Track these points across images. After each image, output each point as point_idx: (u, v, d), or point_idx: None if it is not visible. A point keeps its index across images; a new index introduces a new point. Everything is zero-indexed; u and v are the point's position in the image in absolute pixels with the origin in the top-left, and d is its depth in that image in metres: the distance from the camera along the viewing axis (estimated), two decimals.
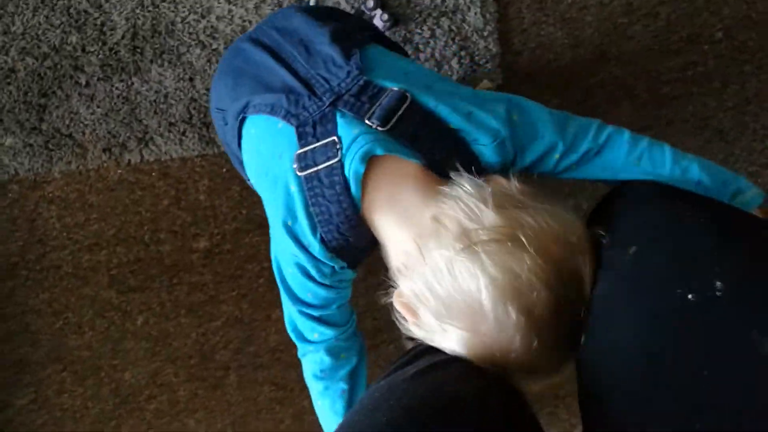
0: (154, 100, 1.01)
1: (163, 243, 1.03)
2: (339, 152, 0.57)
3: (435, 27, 1.00)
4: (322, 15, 0.73)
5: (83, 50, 1.01)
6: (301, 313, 0.67)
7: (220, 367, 1.04)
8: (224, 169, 1.02)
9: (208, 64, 1.00)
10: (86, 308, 1.02)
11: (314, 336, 0.68)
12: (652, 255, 0.49)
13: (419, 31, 1.00)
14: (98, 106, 1.00)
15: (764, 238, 0.49)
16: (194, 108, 1.01)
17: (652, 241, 0.51)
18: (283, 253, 0.64)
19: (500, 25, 1.01)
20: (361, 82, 0.60)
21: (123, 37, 1.00)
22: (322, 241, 0.60)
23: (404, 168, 0.58)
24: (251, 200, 1.02)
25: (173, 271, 1.03)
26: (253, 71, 0.68)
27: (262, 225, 1.03)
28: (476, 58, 1.00)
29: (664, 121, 1.03)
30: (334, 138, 0.58)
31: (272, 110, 0.62)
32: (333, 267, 0.63)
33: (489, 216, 0.52)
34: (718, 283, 0.43)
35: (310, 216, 0.59)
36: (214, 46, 1.00)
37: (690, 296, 0.43)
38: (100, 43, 1.01)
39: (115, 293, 1.03)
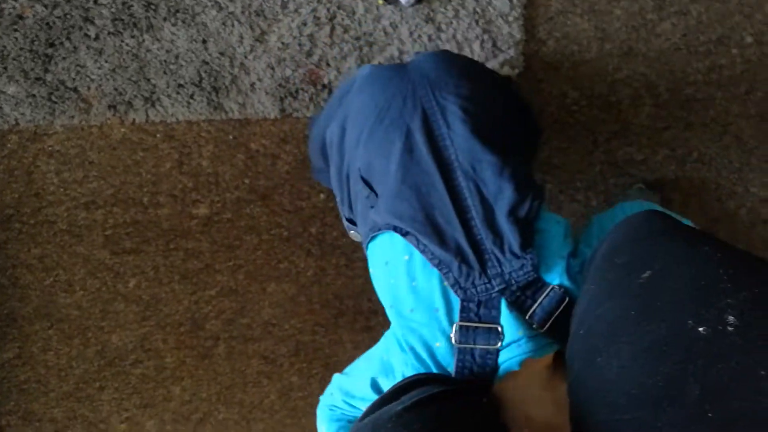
0: (165, 60, 0.98)
1: (162, 206, 1.01)
2: (500, 342, 0.61)
3: (459, 7, 0.97)
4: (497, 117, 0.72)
5: (95, 1, 0.98)
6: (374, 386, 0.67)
7: (210, 336, 1.03)
8: (230, 136, 0.99)
9: (223, 27, 0.97)
10: (78, 267, 1.00)
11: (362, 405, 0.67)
12: (666, 282, 0.47)
13: (443, 10, 0.97)
14: (106, 61, 0.98)
15: None
16: (205, 71, 0.98)
17: (666, 268, 0.49)
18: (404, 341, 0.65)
19: (526, 12, 0.98)
20: (531, 279, 0.63)
21: None
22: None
23: (543, 361, 0.63)
24: (255, 170, 1.00)
25: (170, 235, 1.01)
26: (424, 203, 0.66)
27: (265, 196, 1.01)
28: (499, 43, 0.98)
29: (683, 123, 1.00)
30: (498, 327, 0.62)
31: (439, 266, 0.63)
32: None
33: None
34: (731, 318, 0.41)
35: (443, 369, 0.62)
36: (231, 9, 0.97)
37: (701, 329, 0.42)
38: None
39: (109, 254, 1.01)
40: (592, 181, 1.00)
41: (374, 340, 1.02)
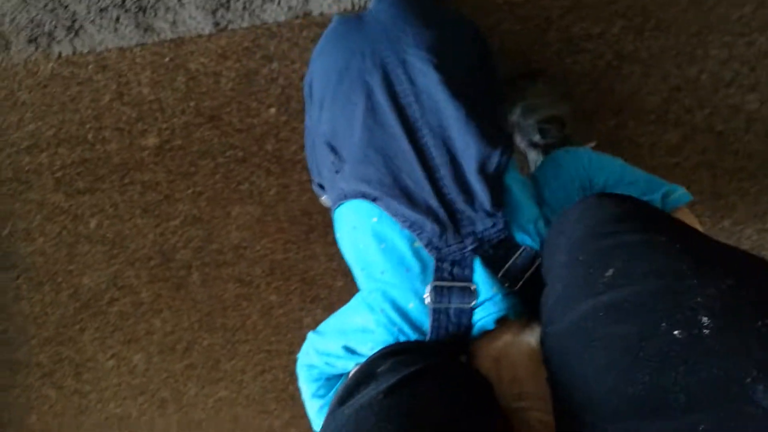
0: None
1: (109, 141, 0.96)
2: (474, 300, 0.61)
3: None
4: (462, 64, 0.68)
5: None
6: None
7: (181, 266, 1.02)
8: (167, 59, 0.94)
9: None
10: (33, 213, 0.97)
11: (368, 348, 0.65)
12: (630, 280, 0.46)
13: None
14: None
15: (737, 262, 0.45)
16: None
17: (628, 265, 0.47)
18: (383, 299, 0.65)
19: None
20: (503, 237, 0.62)
21: None
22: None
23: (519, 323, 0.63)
24: (199, 92, 0.95)
25: (123, 170, 0.98)
26: (391, 165, 0.64)
27: (213, 117, 0.97)
28: None
29: None
30: (471, 286, 0.61)
31: (411, 227, 0.62)
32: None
33: None
34: (704, 319, 0.39)
35: (417, 330, 0.62)
36: None
37: (676, 332, 0.40)
38: None
39: (64, 196, 0.98)
40: (548, 63, 0.97)
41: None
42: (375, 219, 0.64)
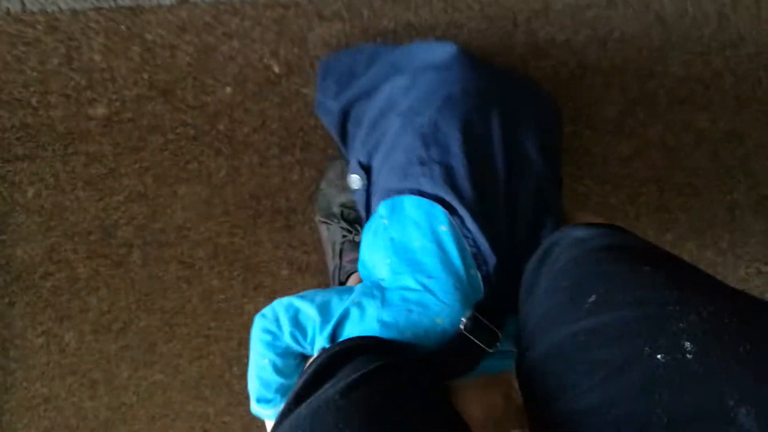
0: None
1: (54, 107, 0.92)
2: (494, 348, 0.62)
3: None
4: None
5: None
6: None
7: (122, 243, 0.98)
8: (123, 26, 0.90)
9: None
10: None
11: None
12: (612, 306, 0.45)
13: None
14: None
15: (718, 291, 0.45)
16: None
17: (611, 292, 0.47)
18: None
19: None
20: None
21: None
22: None
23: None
24: (153, 64, 0.91)
25: (67, 139, 0.93)
26: (485, 193, 0.65)
27: (166, 92, 0.93)
28: None
29: (605, 1, 0.96)
30: (499, 334, 0.63)
31: (476, 255, 0.63)
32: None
33: None
34: (687, 344, 0.39)
35: (422, 341, 0.62)
36: None
37: (659, 356, 0.39)
38: None
39: (0, 161, 0.93)
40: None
41: (295, 238, 1.00)
42: (444, 227, 0.63)
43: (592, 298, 0.47)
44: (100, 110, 0.93)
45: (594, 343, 0.44)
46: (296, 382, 0.56)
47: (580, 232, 0.57)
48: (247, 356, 1.05)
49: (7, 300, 0.98)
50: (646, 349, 0.40)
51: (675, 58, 0.99)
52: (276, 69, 0.94)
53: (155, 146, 0.94)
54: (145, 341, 1.02)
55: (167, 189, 0.96)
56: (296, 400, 0.51)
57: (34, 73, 0.90)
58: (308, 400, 0.50)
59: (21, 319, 0.99)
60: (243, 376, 1.07)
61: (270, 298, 1.02)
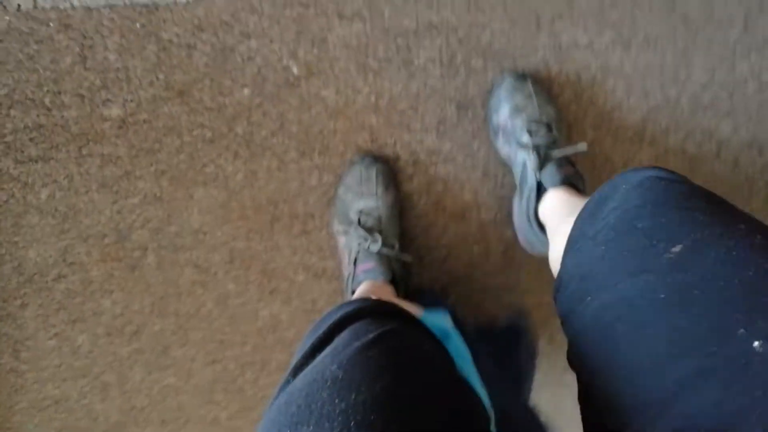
0: None
1: (68, 108, 0.87)
2: None
3: None
4: None
5: None
6: None
7: (137, 247, 0.94)
8: (138, 25, 0.85)
9: None
10: None
11: None
12: (701, 263, 0.37)
13: None
14: None
15: None
16: None
17: (700, 245, 0.38)
18: None
19: None
20: None
21: None
22: None
23: None
24: (170, 63, 0.87)
25: (82, 140, 0.89)
26: None
27: (183, 93, 0.89)
28: None
29: (631, 1, 0.92)
30: None
31: None
32: None
33: None
34: None
35: None
36: None
37: (756, 344, 0.31)
38: None
39: (13, 162, 0.88)
40: (534, 68, 0.92)
41: (312, 243, 0.96)
42: None
43: (677, 247, 0.38)
44: (115, 111, 0.88)
45: (676, 304, 0.36)
46: (296, 355, 0.52)
47: (652, 172, 0.47)
48: (260, 361, 1.02)
49: (19, 302, 0.94)
50: (741, 331, 0.32)
51: (699, 64, 0.94)
52: (295, 70, 0.89)
53: (171, 148, 0.90)
54: (159, 345, 0.98)
55: (183, 192, 0.92)
56: (293, 373, 0.47)
57: (47, 72, 0.85)
58: (305, 371, 0.46)
59: (33, 321, 0.95)
60: (256, 381, 1.03)
61: (285, 304, 0.99)
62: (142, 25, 0.85)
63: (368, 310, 0.53)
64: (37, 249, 0.91)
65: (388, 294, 0.82)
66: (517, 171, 0.87)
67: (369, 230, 0.87)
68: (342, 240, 0.90)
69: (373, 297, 0.65)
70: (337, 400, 0.39)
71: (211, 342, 0.99)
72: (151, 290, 0.95)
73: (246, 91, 0.89)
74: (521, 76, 0.90)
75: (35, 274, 0.92)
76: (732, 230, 0.38)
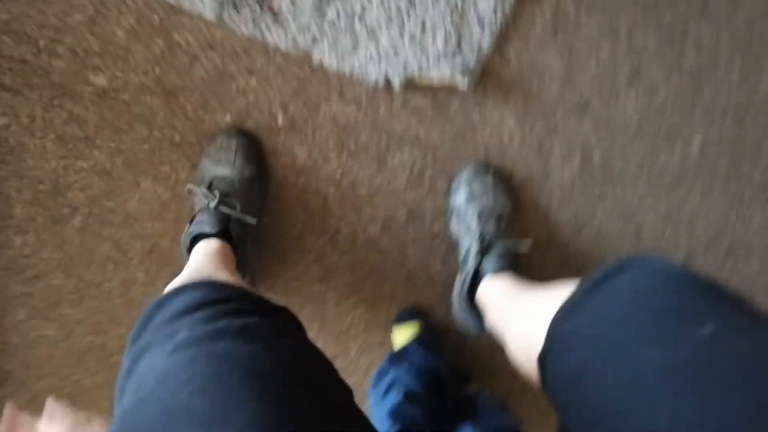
0: None
1: (58, 58, 0.86)
2: None
3: None
4: None
5: None
6: None
7: (68, 205, 0.93)
8: (156, 17, 0.84)
9: None
10: None
11: None
12: (737, 343, 0.35)
13: None
14: None
15: None
16: None
17: (729, 327, 0.36)
18: None
19: (505, 27, 0.87)
20: None
21: None
22: None
23: None
24: (170, 63, 0.86)
25: (58, 91, 0.88)
26: None
27: (170, 93, 0.88)
28: (462, 44, 0.86)
29: (596, 195, 0.96)
30: None
31: None
32: None
33: None
34: None
35: None
36: None
37: None
38: None
39: None
40: (499, 165, 0.96)
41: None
42: None
43: (708, 326, 0.36)
44: (101, 80, 0.88)
45: (716, 381, 0.33)
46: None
47: (665, 262, 0.44)
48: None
49: None
50: None
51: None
52: (280, 120, 0.90)
53: (138, 136, 0.90)
54: (52, 297, 0.98)
55: (132, 177, 0.92)
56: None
57: (54, 20, 0.84)
58: (145, 356, 0.44)
59: None
60: None
61: None
62: (160, 20, 0.85)
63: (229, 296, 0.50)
64: None
65: (227, 258, 0.76)
66: (461, 253, 0.91)
67: (212, 190, 0.83)
68: (195, 204, 0.87)
69: (210, 277, 0.59)
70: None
71: (102, 315, 1.00)
72: (65, 248, 0.95)
73: (228, 117, 0.90)
74: (485, 167, 0.93)
75: None
76: (757, 323, 0.37)
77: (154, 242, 0.96)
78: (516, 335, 0.65)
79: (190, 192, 0.87)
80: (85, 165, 0.91)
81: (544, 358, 0.49)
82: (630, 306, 0.41)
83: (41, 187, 0.92)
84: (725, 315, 0.37)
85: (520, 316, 0.65)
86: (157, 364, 0.42)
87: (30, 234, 0.94)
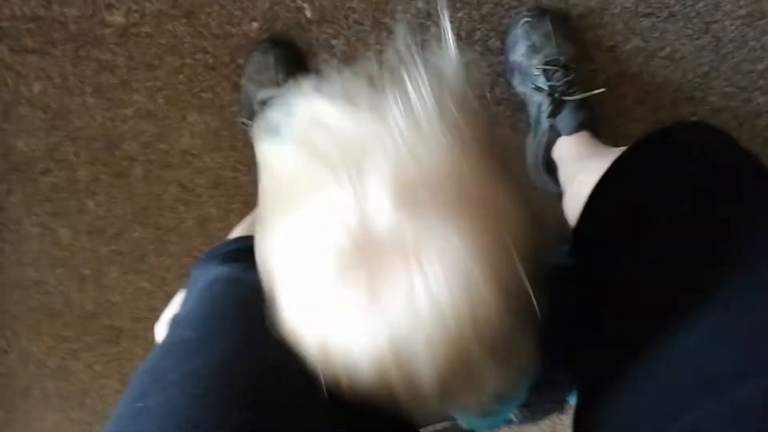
0: None
1: (70, 5, 0.82)
2: None
3: None
4: None
5: None
6: None
7: (126, 157, 0.92)
8: None
9: None
10: None
11: None
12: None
13: None
14: None
15: None
16: None
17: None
18: None
19: None
20: None
21: None
22: None
23: None
24: None
25: (79, 41, 0.84)
26: None
27: (190, 14, 0.83)
28: None
29: (666, 12, 0.86)
30: None
31: None
32: None
33: None
34: None
35: None
36: None
37: None
38: None
39: (8, 51, 0.83)
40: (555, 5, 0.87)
41: None
42: None
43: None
44: (118, 18, 0.83)
45: None
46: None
47: (709, 134, 0.41)
48: None
49: (5, 187, 0.93)
50: None
51: (717, 88, 0.90)
52: (308, 14, 0.83)
53: (171, 68, 0.86)
54: (137, 251, 0.99)
55: (177, 113, 0.89)
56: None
57: None
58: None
59: (18, 207, 0.95)
60: None
61: None
62: None
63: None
64: (26, 140, 0.90)
65: None
66: (532, 112, 0.85)
67: None
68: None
69: None
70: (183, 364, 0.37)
71: (187, 257, 1.01)
72: (135, 200, 0.95)
73: (255, 24, 0.84)
74: (540, 14, 0.84)
75: (22, 163, 0.91)
76: None
77: (216, 174, 0.94)
78: (569, 203, 0.67)
79: (244, 125, 0.84)
80: (128, 112, 0.89)
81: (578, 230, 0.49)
82: (665, 183, 0.40)
83: (95, 145, 0.91)
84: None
85: (577, 182, 0.65)
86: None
87: (99, 194, 0.94)
